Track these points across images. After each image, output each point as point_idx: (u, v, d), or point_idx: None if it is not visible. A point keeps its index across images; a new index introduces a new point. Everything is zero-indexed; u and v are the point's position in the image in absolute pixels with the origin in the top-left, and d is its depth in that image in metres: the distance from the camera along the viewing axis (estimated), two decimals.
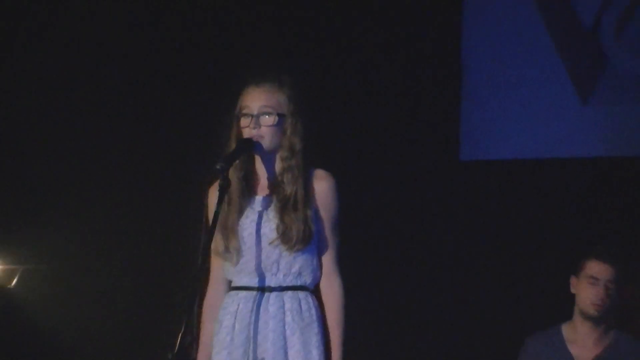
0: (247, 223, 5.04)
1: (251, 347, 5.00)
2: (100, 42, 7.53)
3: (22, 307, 7.13)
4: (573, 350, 6.26)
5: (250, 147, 5.01)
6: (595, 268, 6.17)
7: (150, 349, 5.19)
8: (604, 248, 6.25)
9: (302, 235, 4.99)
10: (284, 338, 5.01)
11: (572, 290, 6.25)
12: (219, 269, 5.11)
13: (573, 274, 6.24)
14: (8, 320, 7.08)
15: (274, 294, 5.03)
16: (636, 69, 7.11)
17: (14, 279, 6.84)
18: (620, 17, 7.14)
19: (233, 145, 5.06)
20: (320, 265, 5.09)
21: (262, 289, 5.05)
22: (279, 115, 5.02)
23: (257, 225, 5.03)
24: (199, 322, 4.99)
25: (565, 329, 6.30)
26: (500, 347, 6.57)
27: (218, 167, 4.88)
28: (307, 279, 5.06)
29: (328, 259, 5.08)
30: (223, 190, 4.91)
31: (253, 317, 5.04)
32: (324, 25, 7.49)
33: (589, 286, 6.17)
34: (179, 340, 4.61)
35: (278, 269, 5.04)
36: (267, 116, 5.02)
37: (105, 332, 7.20)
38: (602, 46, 7.18)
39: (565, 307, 6.32)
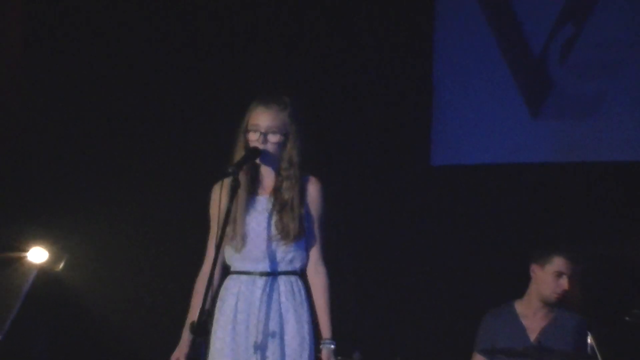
0: (250, 219, 5.14)
1: (253, 321, 5.08)
2: (131, 62, 7.61)
3: (67, 287, 7.11)
4: (524, 322, 6.39)
5: (257, 155, 5.13)
6: (562, 264, 6.27)
7: (174, 321, 5.25)
8: (569, 246, 6.36)
9: (297, 232, 5.09)
10: (280, 315, 5.09)
11: (533, 276, 6.36)
12: (218, 255, 5.11)
13: (534, 262, 6.34)
14: (55, 298, 7.07)
15: (270, 278, 5.11)
16: (577, 89, 7.16)
17: (60, 263, 6.80)
18: (563, 47, 7.19)
19: (241, 153, 5.15)
20: (307, 254, 5.18)
21: (261, 274, 5.12)
22: (282, 135, 5.13)
23: (259, 221, 5.14)
24: (213, 300, 5.08)
25: (518, 305, 6.43)
26: (465, 320, 6.66)
27: (230, 170, 4.99)
28: (296, 265, 5.16)
29: (315, 250, 5.18)
30: (234, 190, 5.02)
31: (253, 298, 5.11)
32: (308, 37, 7.52)
33: (555, 279, 6.28)
34: (198, 316, 4.79)
35: (274, 257, 5.13)
36: (273, 134, 5.12)
37: (137, 307, 7.24)
38: (549, 71, 7.23)
39: (516, 287, 6.47)
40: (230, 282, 5.15)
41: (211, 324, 5.01)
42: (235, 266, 5.17)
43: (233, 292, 5.11)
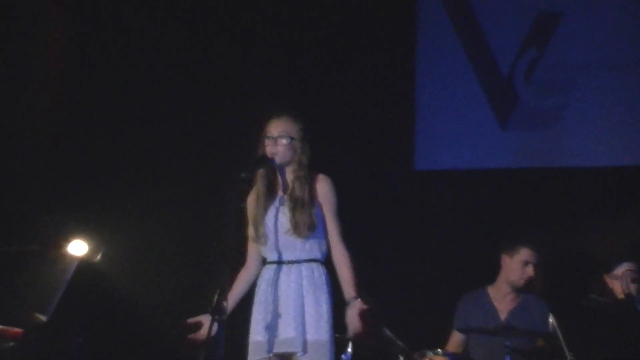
0: (269, 216, 5.29)
1: (279, 303, 5.21)
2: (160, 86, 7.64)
3: (104, 276, 7.05)
4: (495, 304, 6.52)
5: (265, 161, 5.29)
6: (528, 254, 6.39)
7: (197, 305, 5.26)
8: (534, 238, 6.45)
9: (307, 226, 5.22)
10: (302, 296, 5.21)
11: (502, 265, 6.47)
12: (253, 250, 5.36)
13: (504, 253, 6.44)
14: (94, 286, 7.04)
15: (294, 266, 5.25)
16: (539, 104, 7.19)
17: (98, 254, 6.64)
18: (528, 67, 7.23)
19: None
20: (326, 243, 5.28)
21: (286, 262, 5.26)
22: (291, 138, 5.27)
23: (277, 218, 5.28)
24: (229, 287, 5.15)
25: (490, 290, 6.57)
26: (445, 302, 6.70)
27: (243, 175, 5.13)
28: (317, 254, 5.28)
29: (334, 236, 5.28)
30: (245, 193, 5.21)
31: (280, 282, 5.23)
32: (304, 49, 7.52)
33: (522, 267, 6.39)
34: (216, 299, 4.89)
35: (295, 248, 5.26)
36: (282, 139, 5.27)
37: (167, 293, 7.20)
38: (515, 88, 7.27)
39: (489, 274, 6.57)
40: (264, 271, 5.33)
41: (226, 306, 4.97)
42: (268, 258, 5.35)
43: (265, 279, 5.29)
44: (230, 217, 5.05)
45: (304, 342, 5.13)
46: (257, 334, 5.21)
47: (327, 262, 5.29)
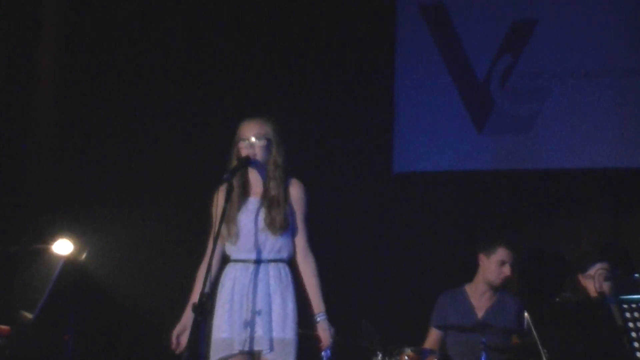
0: (243, 215, 5.27)
1: (246, 301, 5.19)
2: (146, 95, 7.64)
3: (89, 274, 7.02)
4: (473, 302, 6.52)
5: (247, 162, 5.26)
6: (505, 254, 6.41)
7: (180, 302, 5.33)
8: (510, 239, 6.47)
9: (282, 224, 5.20)
10: (269, 294, 5.21)
11: (480, 264, 6.48)
12: (217, 249, 5.26)
13: (481, 252, 6.45)
14: (79, 283, 6.91)
15: (262, 265, 5.23)
16: (514, 109, 7.20)
17: (83, 254, 6.71)
18: (503, 74, 7.23)
19: (234, 162, 5.27)
20: (293, 245, 5.28)
21: (254, 262, 5.24)
22: (267, 140, 5.26)
23: (250, 217, 5.25)
24: (213, 285, 5.14)
25: (468, 288, 6.57)
26: (423, 300, 6.73)
27: (225, 176, 5.14)
28: (284, 255, 5.27)
29: (302, 241, 5.30)
30: (229, 193, 5.16)
31: (247, 281, 5.20)
32: (284, 53, 7.51)
33: (499, 267, 6.41)
34: (199, 298, 4.90)
35: (265, 248, 5.24)
36: (259, 141, 5.25)
37: (150, 291, 7.18)
38: (491, 93, 7.26)
39: (467, 273, 6.58)
40: (229, 269, 5.29)
41: (210, 305, 5.03)
42: (233, 256, 5.30)
43: (230, 278, 5.25)
44: (216, 218, 5.06)
45: (271, 340, 5.13)
46: (223, 331, 5.18)
47: (290, 262, 5.28)
